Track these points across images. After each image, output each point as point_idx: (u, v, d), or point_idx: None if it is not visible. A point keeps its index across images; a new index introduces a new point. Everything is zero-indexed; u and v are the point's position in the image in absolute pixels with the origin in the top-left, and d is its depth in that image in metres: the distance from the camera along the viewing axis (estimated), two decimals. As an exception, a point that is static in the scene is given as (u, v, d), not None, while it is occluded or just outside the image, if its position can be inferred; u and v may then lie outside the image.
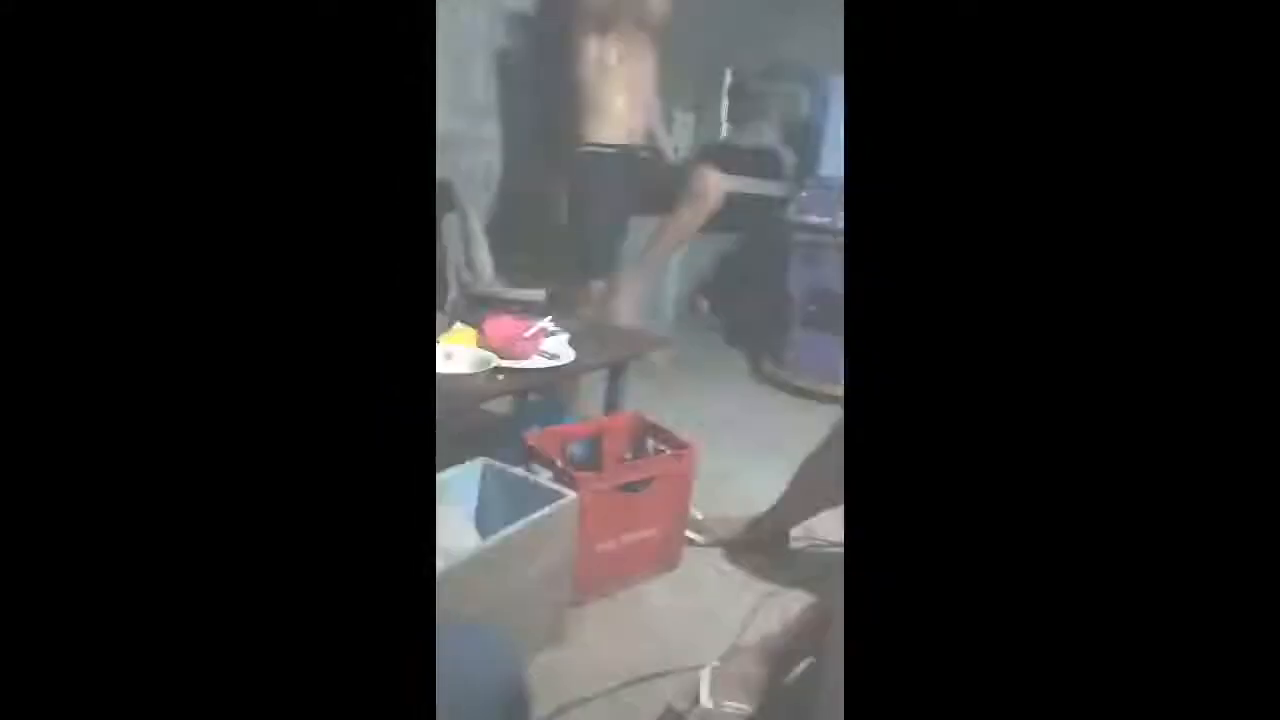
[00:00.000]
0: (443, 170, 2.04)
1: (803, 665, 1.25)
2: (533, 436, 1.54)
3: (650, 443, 1.71)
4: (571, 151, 2.43)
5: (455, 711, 0.64)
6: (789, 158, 3.32)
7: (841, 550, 1.72)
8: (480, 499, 1.41)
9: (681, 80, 2.60)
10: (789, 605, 1.47)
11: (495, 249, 2.35)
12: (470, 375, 1.48)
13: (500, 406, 2.10)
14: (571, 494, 1.32)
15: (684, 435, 1.65)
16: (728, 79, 3.49)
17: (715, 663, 1.24)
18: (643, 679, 1.29)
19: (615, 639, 1.41)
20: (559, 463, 1.48)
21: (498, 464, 1.41)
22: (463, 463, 1.40)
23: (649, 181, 2.50)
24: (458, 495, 1.37)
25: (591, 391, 2.20)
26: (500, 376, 1.52)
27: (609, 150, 2.39)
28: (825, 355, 2.84)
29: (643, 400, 2.01)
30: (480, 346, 1.57)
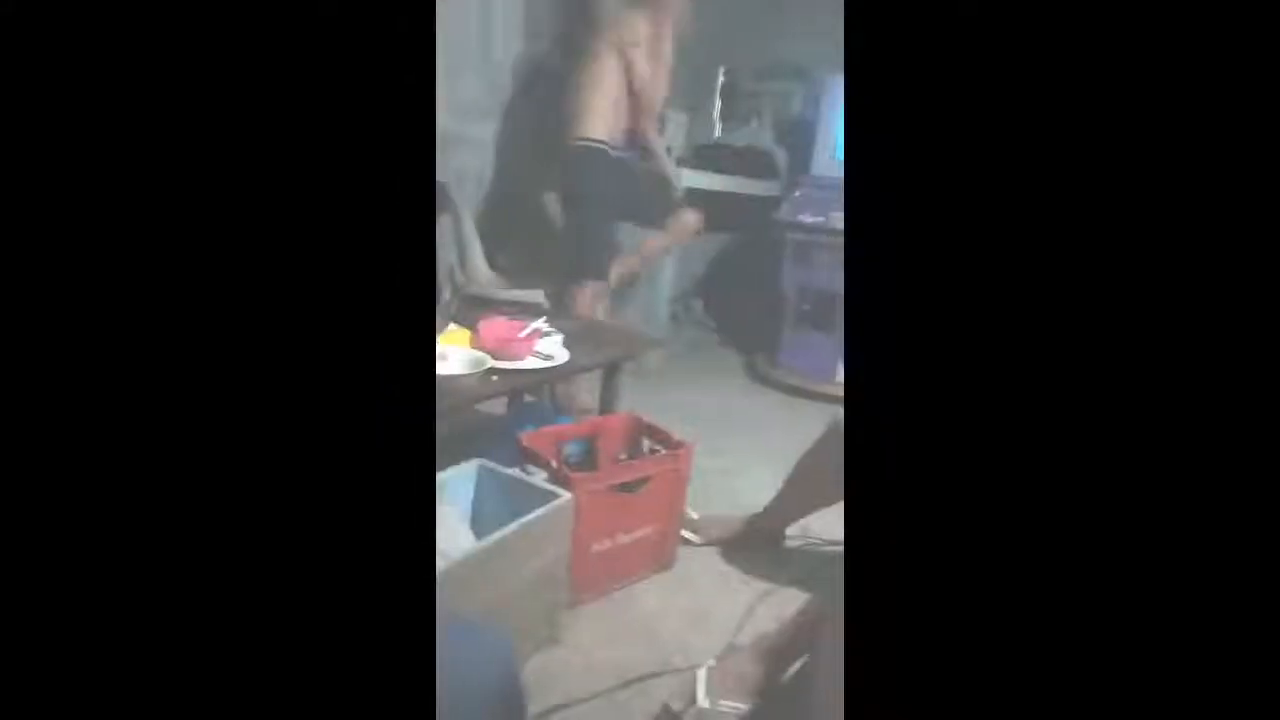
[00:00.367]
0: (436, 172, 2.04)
1: (799, 664, 1.25)
2: (527, 437, 1.54)
3: (645, 442, 1.71)
4: (565, 150, 2.43)
5: (452, 711, 0.64)
6: (782, 157, 3.33)
7: (837, 549, 1.73)
8: (475, 500, 1.41)
9: (674, 80, 2.60)
10: (785, 604, 1.47)
11: (489, 250, 2.35)
12: (465, 376, 1.48)
13: (495, 407, 2.10)
14: (566, 494, 1.32)
15: (679, 435, 1.65)
16: (720, 78, 3.50)
17: (711, 662, 1.24)
18: (638, 679, 1.29)
19: (611, 639, 1.41)
20: (554, 463, 1.48)
21: (493, 465, 1.41)
22: (458, 463, 1.39)
23: (637, 184, 2.51)
24: (453, 496, 1.37)
25: (586, 392, 2.20)
26: (495, 377, 1.52)
27: (600, 146, 2.39)
28: (819, 354, 2.85)
29: (637, 400, 2.01)
30: (475, 347, 1.56)
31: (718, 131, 3.52)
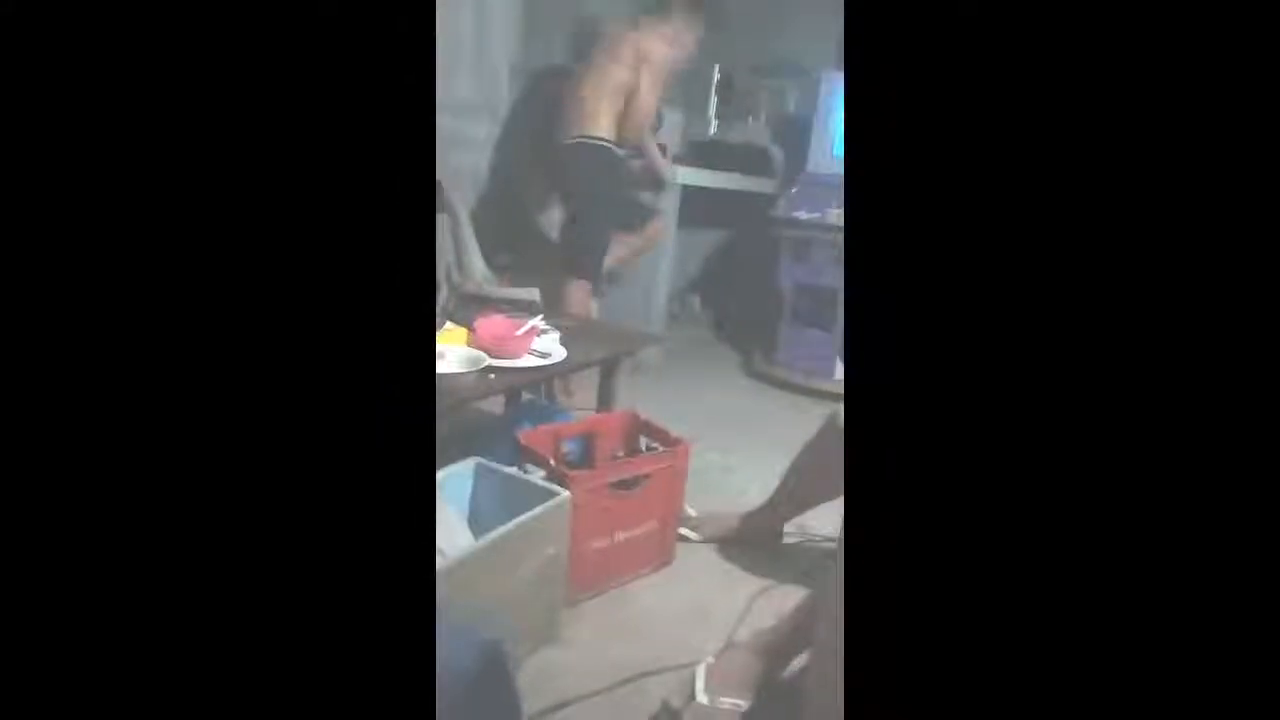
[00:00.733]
0: (432, 170, 2.03)
1: (798, 660, 1.26)
2: (525, 435, 1.54)
3: (643, 440, 1.71)
4: (563, 147, 2.43)
5: (450, 709, 0.64)
6: (778, 154, 3.33)
7: (835, 545, 1.73)
8: (473, 498, 1.41)
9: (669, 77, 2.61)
10: (783, 600, 1.47)
11: (486, 248, 2.34)
12: (462, 374, 1.48)
13: (493, 405, 2.10)
14: (564, 492, 1.32)
15: (676, 432, 1.65)
16: (716, 75, 3.49)
17: (710, 659, 1.24)
18: (637, 676, 1.30)
19: (610, 637, 1.41)
20: (552, 461, 1.48)
21: (490, 463, 1.41)
22: (455, 462, 1.39)
23: (630, 185, 2.52)
24: (451, 495, 1.37)
25: (583, 389, 2.20)
26: (492, 375, 1.51)
27: (601, 143, 2.38)
28: (816, 350, 2.85)
29: (635, 398, 2.01)
30: (472, 346, 1.56)
31: (714, 129, 3.52)
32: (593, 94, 2.41)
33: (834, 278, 2.80)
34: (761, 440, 2.29)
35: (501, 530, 1.19)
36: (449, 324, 1.64)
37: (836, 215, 2.75)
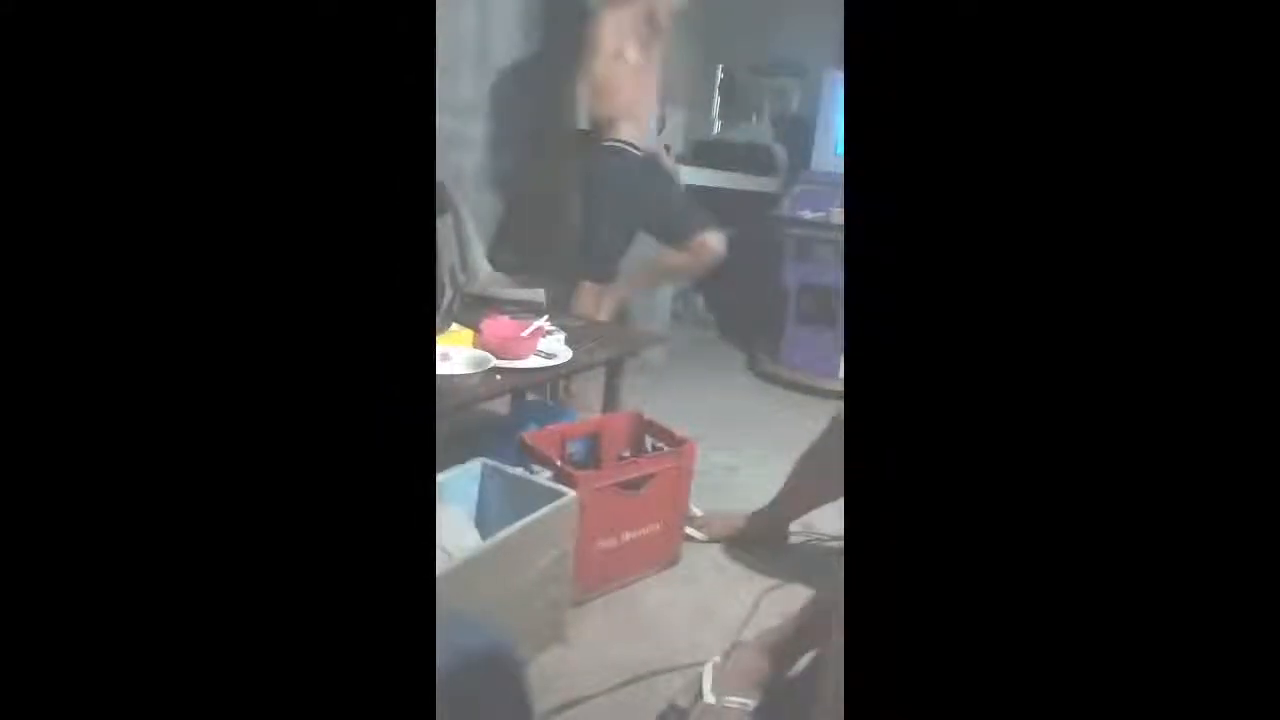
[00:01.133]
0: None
1: (806, 659, 1.26)
2: (531, 436, 1.54)
3: (648, 440, 1.71)
4: (582, 149, 2.38)
5: (456, 710, 0.64)
6: (781, 153, 3.32)
7: (840, 544, 1.72)
8: (480, 499, 1.41)
9: (672, 76, 2.60)
10: (790, 600, 1.47)
11: (491, 248, 2.35)
12: (467, 375, 1.48)
13: (498, 407, 2.10)
14: (571, 493, 1.32)
15: (681, 432, 1.65)
16: (719, 75, 3.49)
17: (717, 658, 1.24)
18: (644, 676, 1.30)
19: (616, 637, 1.41)
20: (558, 461, 1.48)
21: (497, 464, 1.41)
22: (462, 463, 1.40)
23: (668, 194, 2.45)
24: (457, 495, 1.37)
25: (589, 390, 2.20)
26: (498, 376, 1.52)
27: (629, 149, 2.33)
28: (821, 350, 2.84)
29: (640, 398, 2.01)
30: (477, 347, 1.57)
31: (717, 128, 3.52)
32: (603, 74, 2.32)
33: (838, 277, 2.79)
34: (766, 440, 2.29)
35: (508, 531, 1.19)
36: (455, 325, 1.65)
37: (840, 214, 2.75)
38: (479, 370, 1.49)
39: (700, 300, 3.71)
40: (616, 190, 2.36)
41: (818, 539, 1.78)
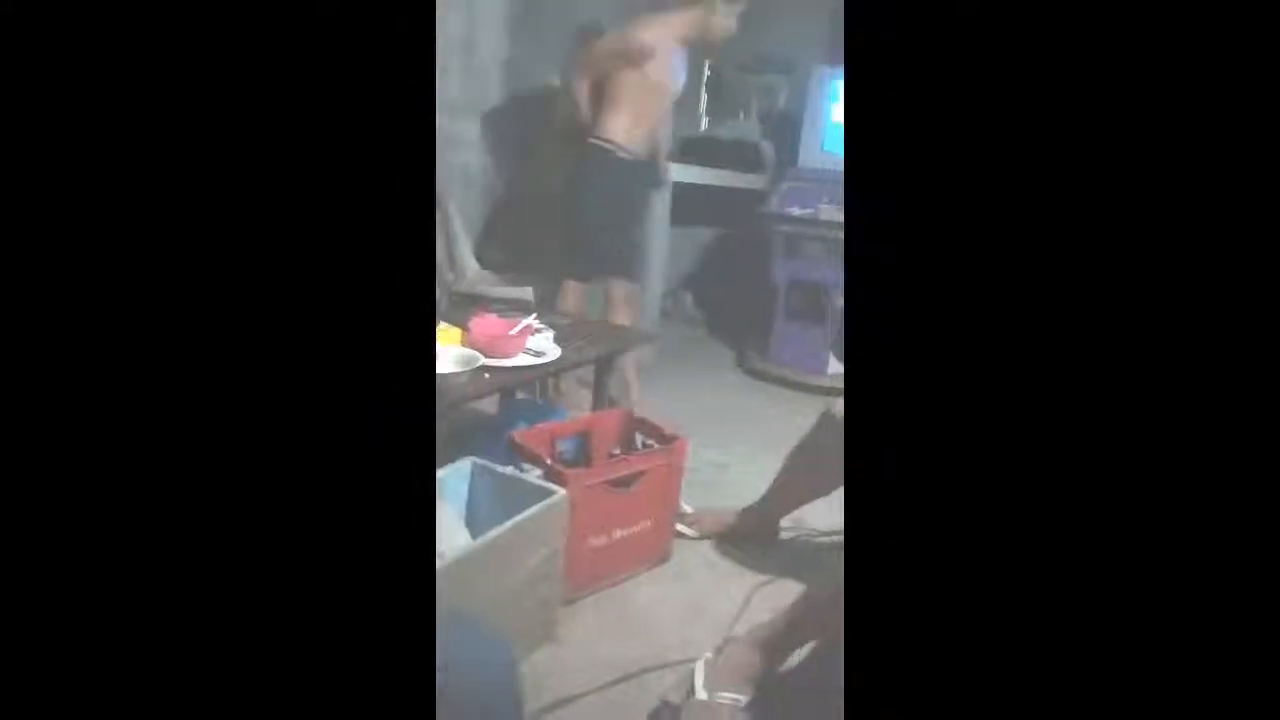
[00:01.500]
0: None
1: (797, 654, 1.26)
2: (521, 434, 1.54)
3: (638, 438, 1.71)
4: (579, 150, 2.34)
5: (450, 708, 0.64)
6: (769, 150, 3.33)
7: (831, 539, 1.73)
8: (470, 498, 1.41)
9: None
10: (781, 595, 1.48)
11: (478, 247, 2.34)
12: (456, 374, 1.47)
13: (487, 405, 2.10)
14: (561, 491, 1.32)
15: (671, 429, 1.65)
16: (706, 72, 3.49)
17: (709, 654, 1.25)
18: (636, 673, 1.30)
19: (608, 634, 1.41)
20: (548, 460, 1.48)
21: (486, 463, 1.41)
22: (452, 462, 1.39)
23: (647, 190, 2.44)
24: (448, 494, 1.36)
25: (578, 388, 2.20)
26: (487, 375, 1.51)
27: (619, 151, 2.31)
28: (810, 346, 2.85)
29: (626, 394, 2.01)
30: (465, 345, 1.56)
31: (704, 125, 3.52)
32: (621, 91, 2.28)
33: (826, 273, 2.80)
34: (756, 436, 2.29)
35: (499, 530, 1.19)
36: (443, 324, 1.64)
37: (828, 211, 2.76)
38: (467, 369, 1.49)
39: (689, 298, 3.72)
40: (608, 190, 2.35)
41: (808, 534, 1.79)
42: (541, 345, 1.66)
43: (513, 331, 1.61)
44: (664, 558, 1.64)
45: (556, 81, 2.66)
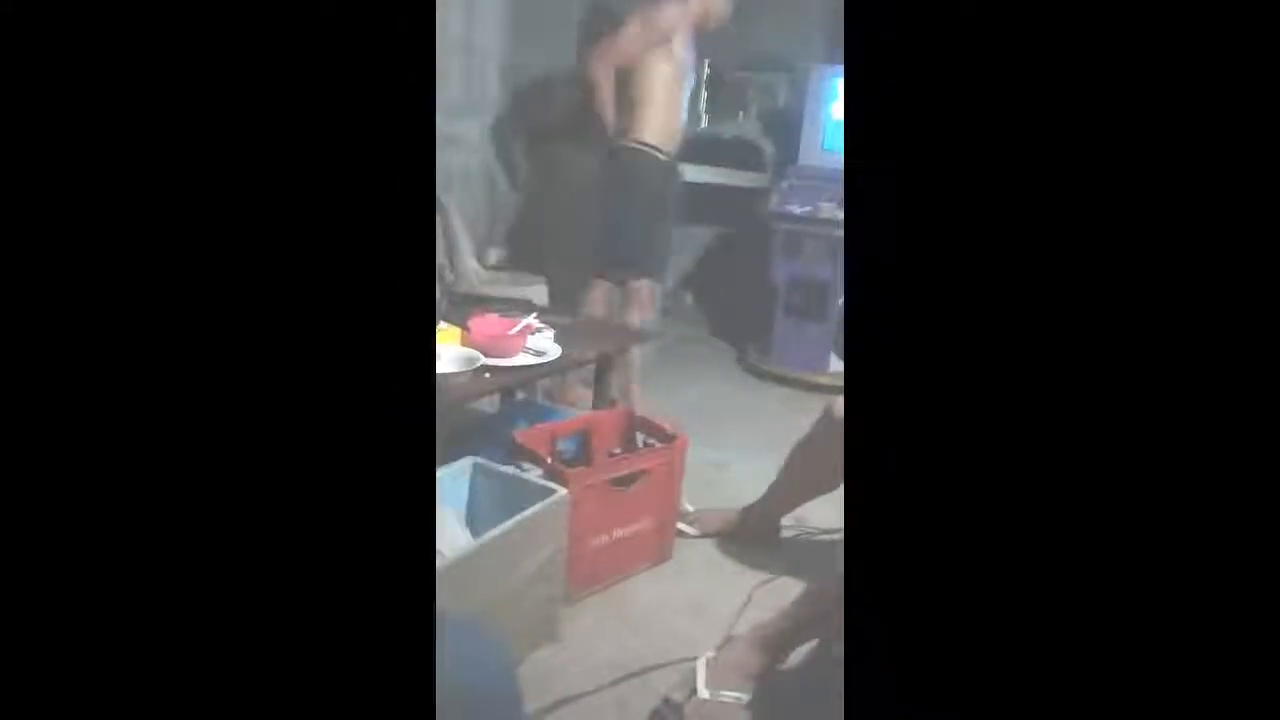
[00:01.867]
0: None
1: (799, 652, 1.26)
2: (521, 434, 1.54)
3: (639, 437, 1.71)
4: (603, 147, 2.32)
5: (451, 708, 0.64)
6: (768, 148, 3.33)
7: (832, 537, 1.74)
8: (470, 498, 1.41)
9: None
10: (782, 593, 1.47)
11: (480, 247, 2.34)
12: (456, 374, 1.47)
13: (487, 405, 2.10)
14: (561, 490, 1.32)
15: (672, 428, 1.65)
16: (705, 70, 3.49)
17: (710, 653, 1.25)
18: (638, 672, 1.30)
19: (609, 633, 1.41)
20: (548, 459, 1.48)
21: (487, 462, 1.41)
22: (452, 462, 1.39)
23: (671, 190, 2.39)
24: (448, 495, 1.36)
25: (579, 387, 2.20)
26: (487, 375, 1.51)
27: (654, 153, 2.27)
28: (811, 344, 2.85)
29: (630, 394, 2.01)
30: (466, 345, 1.56)
31: (704, 123, 3.52)
32: (646, 83, 2.22)
33: (827, 271, 2.80)
34: (757, 434, 2.29)
35: (499, 529, 1.19)
36: (443, 324, 1.64)
37: (829, 209, 2.75)
38: (468, 369, 1.49)
39: (689, 296, 3.72)
40: (646, 192, 2.29)
41: (809, 532, 1.79)
42: (542, 345, 1.66)
43: (513, 331, 1.61)
44: (665, 556, 1.64)
45: (561, 75, 2.64)
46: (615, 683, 1.27)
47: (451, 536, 1.28)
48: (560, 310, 1.95)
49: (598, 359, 1.83)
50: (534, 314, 1.73)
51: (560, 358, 1.64)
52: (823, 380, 2.78)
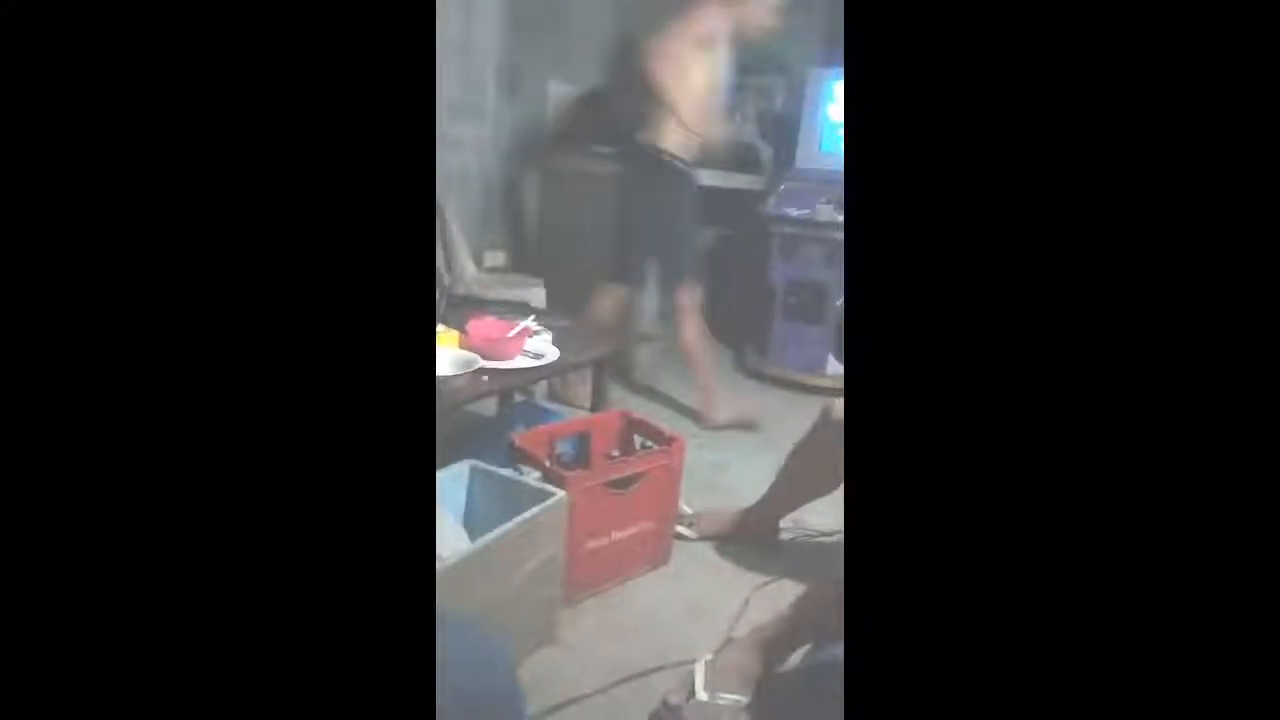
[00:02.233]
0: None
1: (798, 654, 1.26)
2: (519, 437, 1.54)
3: (637, 439, 1.71)
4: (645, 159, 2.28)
5: (450, 710, 0.63)
6: (766, 151, 3.33)
7: (830, 539, 1.73)
8: (469, 501, 1.41)
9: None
10: (781, 596, 1.47)
11: (477, 249, 2.34)
12: (454, 377, 1.47)
13: (485, 407, 2.10)
14: (560, 493, 1.32)
15: (670, 430, 1.65)
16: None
17: (709, 655, 1.24)
18: (637, 675, 1.29)
19: (608, 636, 1.41)
20: (547, 462, 1.47)
21: (485, 465, 1.41)
22: (449, 465, 1.39)
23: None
24: (446, 498, 1.36)
25: (577, 388, 2.20)
26: (485, 378, 1.51)
27: (693, 172, 2.26)
28: (809, 347, 2.85)
29: (628, 396, 2.01)
30: (464, 348, 1.56)
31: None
32: (668, 80, 2.16)
33: (825, 273, 2.80)
34: (756, 436, 2.29)
35: (498, 532, 1.19)
36: (440, 326, 1.64)
37: (826, 211, 2.76)
38: (465, 371, 1.49)
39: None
40: (683, 202, 2.27)
41: (808, 534, 1.79)
42: (540, 347, 1.66)
43: (511, 334, 1.61)
44: (664, 559, 1.64)
45: (586, 86, 2.63)
46: (614, 685, 1.27)
47: (449, 540, 1.28)
48: (559, 313, 1.94)
49: (596, 361, 1.83)
50: (532, 316, 1.73)
51: (558, 360, 1.64)
52: (821, 382, 2.78)
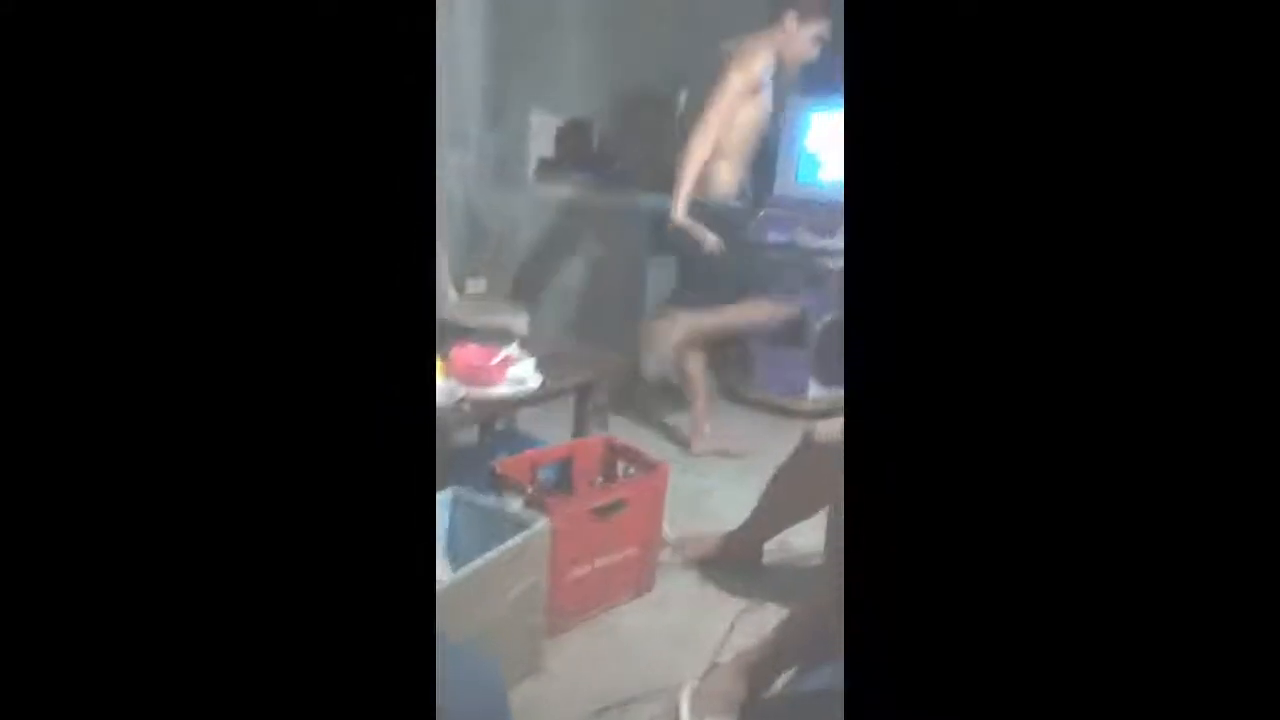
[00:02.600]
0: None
1: (783, 679, 1.26)
2: (501, 464, 1.54)
3: (620, 465, 1.71)
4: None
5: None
6: (747, 177, 3.35)
7: (814, 562, 1.72)
8: (450, 529, 1.40)
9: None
10: (765, 620, 1.47)
11: (459, 275, 2.34)
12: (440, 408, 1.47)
13: (466, 435, 2.09)
14: (543, 520, 1.31)
15: (653, 456, 1.65)
16: (682, 100, 3.53)
17: (695, 681, 1.24)
18: (622, 702, 1.29)
19: (593, 664, 1.40)
20: (529, 488, 1.47)
21: (467, 493, 1.40)
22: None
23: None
24: (429, 526, 1.35)
25: (559, 415, 2.19)
26: (466, 406, 1.51)
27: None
28: (791, 371, 2.87)
29: (611, 422, 2.01)
30: (447, 375, 1.55)
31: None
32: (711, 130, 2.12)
33: (806, 299, 2.82)
34: (739, 460, 2.29)
35: (480, 561, 1.18)
36: (424, 354, 1.63)
37: (805, 237, 2.79)
38: (448, 402, 1.48)
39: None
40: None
41: (792, 558, 1.79)
42: (523, 373, 1.65)
43: (494, 361, 1.61)
44: (648, 585, 1.63)
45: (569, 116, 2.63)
46: (599, 713, 1.26)
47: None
48: (541, 340, 1.95)
49: (578, 387, 1.83)
50: (515, 343, 1.73)
51: (541, 387, 1.64)
52: (803, 406, 2.79)
